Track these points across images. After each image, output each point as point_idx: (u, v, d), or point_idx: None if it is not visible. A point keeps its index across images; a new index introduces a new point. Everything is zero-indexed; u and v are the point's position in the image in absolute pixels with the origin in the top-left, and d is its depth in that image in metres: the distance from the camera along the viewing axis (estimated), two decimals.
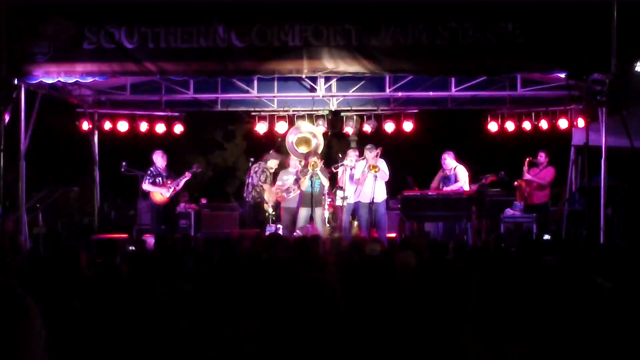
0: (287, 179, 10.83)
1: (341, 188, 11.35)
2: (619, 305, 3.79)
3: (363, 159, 10.34)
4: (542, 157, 10.96)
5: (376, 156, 10.12)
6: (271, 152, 11.72)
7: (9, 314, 1.50)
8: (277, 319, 3.66)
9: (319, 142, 11.36)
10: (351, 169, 10.47)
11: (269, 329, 3.56)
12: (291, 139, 11.47)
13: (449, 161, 10.61)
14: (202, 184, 17.73)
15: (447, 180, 10.58)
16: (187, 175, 11.04)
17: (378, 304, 4.28)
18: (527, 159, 10.92)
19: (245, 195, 11.21)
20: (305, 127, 11.48)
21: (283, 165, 11.44)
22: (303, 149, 11.16)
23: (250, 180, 11.13)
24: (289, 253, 4.49)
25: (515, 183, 11.06)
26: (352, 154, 10.72)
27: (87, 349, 3.90)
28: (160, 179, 10.98)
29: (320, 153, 11.31)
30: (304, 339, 3.65)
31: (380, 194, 10.21)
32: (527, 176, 10.85)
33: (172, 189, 10.95)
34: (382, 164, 10.25)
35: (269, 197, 11.22)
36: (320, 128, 11.73)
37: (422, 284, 4.43)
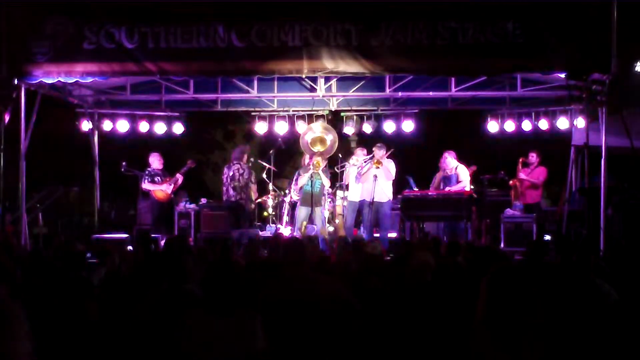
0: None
1: (341, 187, 11.36)
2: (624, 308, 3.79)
3: (372, 157, 10.33)
4: (533, 157, 11.07)
5: (384, 155, 10.12)
6: (242, 148, 11.69)
7: None
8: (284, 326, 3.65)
9: (334, 139, 11.35)
10: (358, 168, 10.41)
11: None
12: (306, 138, 11.43)
13: (450, 160, 10.60)
14: (202, 184, 17.73)
15: (448, 180, 10.57)
16: (184, 170, 11.35)
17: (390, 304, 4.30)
18: (521, 159, 11.09)
19: (229, 195, 11.08)
20: (317, 127, 11.47)
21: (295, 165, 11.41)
22: (318, 148, 11.15)
23: (231, 180, 11.01)
24: (282, 254, 4.50)
25: (511, 182, 11.13)
26: (359, 153, 10.69)
27: (87, 349, 3.90)
28: (158, 178, 11.24)
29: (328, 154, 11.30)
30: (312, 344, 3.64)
31: (384, 194, 10.18)
32: (521, 175, 10.98)
33: (172, 185, 11.27)
34: (390, 165, 10.25)
35: (254, 197, 11.33)
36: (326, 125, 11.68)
37: (440, 285, 4.42)
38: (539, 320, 2.67)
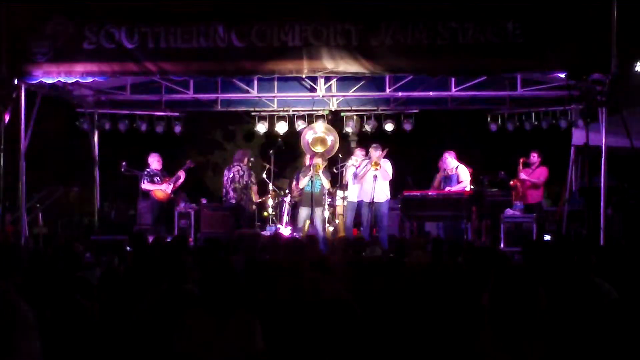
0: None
1: (341, 187, 11.37)
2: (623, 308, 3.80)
3: (368, 157, 10.36)
4: (534, 157, 11.02)
5: (381, 156, 10.13)
6: (244, 151, 11.76)
7: (4, 319, 1.48)
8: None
9: (334, 140, 11.34)
10: (356, 168, 10.46)
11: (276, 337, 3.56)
12: (307, 138, 11.44)
13: (450, 160, 10.62)
14: (202, 184, 17.72)
15: (448, 180, 10.58)
16: (183, 171, 11.36)
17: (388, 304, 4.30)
18: (521, 159, 11.05)
19: (229, 197, 11.13)
20: (319, 127, 11.47)
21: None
22: (319, 148, 11.16)
23: (231, 182, 11.05)
24: (283, 255, 4.50)
25: (511, 183, 11.10)
26: (358, 153, 10.72)
27: (87, 349, 3.90)
28: (157, 178, 11.24)
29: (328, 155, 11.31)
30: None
31: (382, 194, 10.19)
32: (521, 175, 10.95)
33: (172, 185, 11.26)
34: (387, 165, 10.26)
35: (255, 197, 11.34)
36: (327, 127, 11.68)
37: (434, 284, 4.43)
38: (541, 320, 2.67)
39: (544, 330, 2.70)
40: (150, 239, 8.71)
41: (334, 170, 11.54)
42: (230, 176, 11.08)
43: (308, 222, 10.31)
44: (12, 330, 1.53)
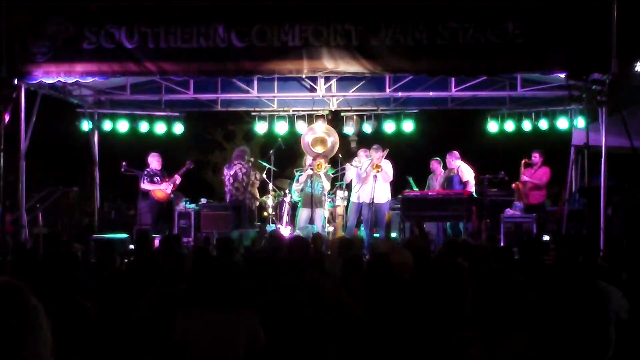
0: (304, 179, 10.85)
1: (341, 187, 11.38)
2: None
3: (369, 158, 10.39)
4: (536, 157, 11.01)
5: (381, 157, 10.15)
6: (244, 148, 11.78)
7: (16, 317, 1.47)
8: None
9: (335, 141, 11.33)
10: (357, 168, 10.49)
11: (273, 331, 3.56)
12: (307, 139, 11.43)
13: (454, 162, 10.70)
14: (202, 184, 17.73)
15: (450, 180, 10.61)
16: (182, 171, 11.33)
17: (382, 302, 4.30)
18: (523, 160, 11.04)
19: (233, 195, 11.12)
20: (319, 128, 11.46)
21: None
22: (319, 149, 11.15)
23: (234, 180, 11.05)
24: (285, 254, 4.49)
25: (513, 185, 11.09)
26: (361, 154, 10.74)
27: (87, 348, 3.90)
28: (157, 178, 11.23)
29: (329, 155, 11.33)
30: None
31: (383, 195, 10.22)
32: (523, 178, 10.93)
33: (171, 185, 11.26)
34: (387, 166, 10.27)
35: (257, 194, 11.38)
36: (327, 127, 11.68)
37: (422, 284, 4.45)
38: (523, 319, 2.68)
39: (530, 328, 2.71)
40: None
41: (335, 173, 11.55)
42: (232, 173, 11.07)
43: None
44: (24, 330, 1.52)
